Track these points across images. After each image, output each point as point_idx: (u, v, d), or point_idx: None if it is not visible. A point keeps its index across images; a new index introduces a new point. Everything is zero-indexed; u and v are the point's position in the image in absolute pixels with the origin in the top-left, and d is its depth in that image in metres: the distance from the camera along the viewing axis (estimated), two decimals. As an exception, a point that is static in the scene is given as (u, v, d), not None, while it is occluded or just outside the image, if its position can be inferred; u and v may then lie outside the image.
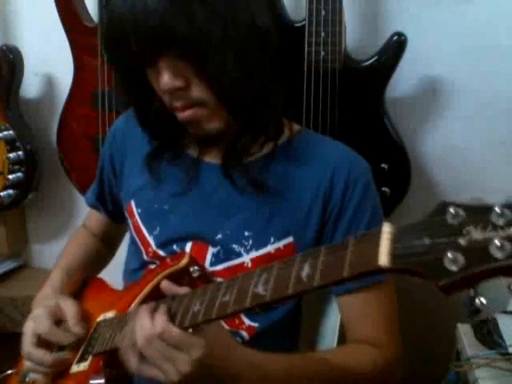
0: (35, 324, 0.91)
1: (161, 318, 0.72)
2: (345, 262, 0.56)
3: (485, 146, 1.49)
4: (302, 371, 0.82)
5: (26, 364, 0.92)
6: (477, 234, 0.47)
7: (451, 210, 0.49)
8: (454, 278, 0.47)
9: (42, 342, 0.90)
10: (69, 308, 0.92)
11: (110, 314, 0.92)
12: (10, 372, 1.00)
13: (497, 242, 0.45)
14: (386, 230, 0.54)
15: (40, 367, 0.89)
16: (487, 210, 0.47)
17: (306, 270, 0.60)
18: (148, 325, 0.71)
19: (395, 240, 0.53)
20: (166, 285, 0.82)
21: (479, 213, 0.48)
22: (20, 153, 1.69)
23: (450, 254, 0.47)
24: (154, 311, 0.74)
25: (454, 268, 0.47)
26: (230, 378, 0.73)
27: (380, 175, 1.35)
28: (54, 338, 0.90)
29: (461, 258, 0.47)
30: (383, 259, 0.52)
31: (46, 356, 0.88)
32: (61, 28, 1.57)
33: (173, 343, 0.70)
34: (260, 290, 0.64)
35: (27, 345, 0.90)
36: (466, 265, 0.47)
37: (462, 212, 0.49)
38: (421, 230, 0.51)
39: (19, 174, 1.70)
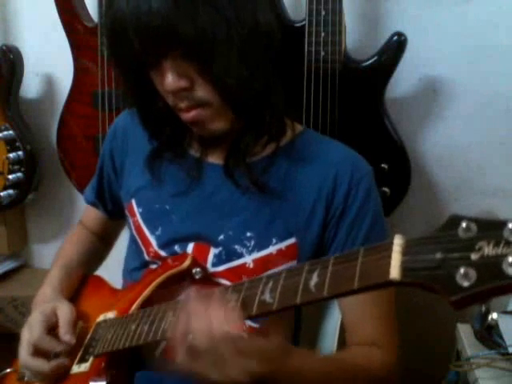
0: (29, 332, 0.90)
1: (233, 313, 0.64)
2: (355, 274, 0.55)
3: (485, 145, 1.49)
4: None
5: (26, 373, 0.93)
6: (489, 250, 0.47)
7: (463, 224, 0.49)
8: (465, 293, 0.47)
9: (39, 350, 0.89)
10: (63, 315, 0.92)
11: (110, 315, 0.92)
12: (8, 371, 0.99)
13: (510, 258, 0.45)
14: (398, 242, 0.53)
15: (38, 376, 0.89)
16: (500, 225, 0.47)
17: (314, 280, 0.59)
18: (220, 316, 0.63)
19: (406, 253, 0.52)
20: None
21: (492, 228, 0.47)
22: (20, 153, 1.68)
23: (462, 270, 0.47)
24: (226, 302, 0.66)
25: (465, 284, 0.47)
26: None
27: (380, 175, 1.35)
28: (45, 345, 0.89)
29: (473, 274, 0.47)
30: (394, 272, 0.51)
31: (43, 365, 0.88)
32: (61, 28, 1.56)
33: (237, 348, 0.63)
34: (267, 297, 0.63)
35: (24, 355, 0.89)
36: (478, 281, 0.46)
37: (474, 227, 0.48)
38: (432, 243, 0.50)
39: (19, 174, 1.69)
